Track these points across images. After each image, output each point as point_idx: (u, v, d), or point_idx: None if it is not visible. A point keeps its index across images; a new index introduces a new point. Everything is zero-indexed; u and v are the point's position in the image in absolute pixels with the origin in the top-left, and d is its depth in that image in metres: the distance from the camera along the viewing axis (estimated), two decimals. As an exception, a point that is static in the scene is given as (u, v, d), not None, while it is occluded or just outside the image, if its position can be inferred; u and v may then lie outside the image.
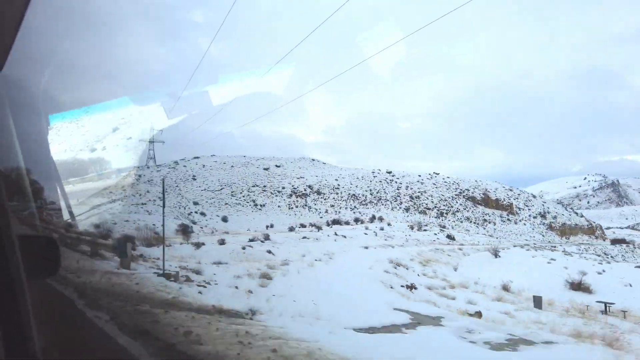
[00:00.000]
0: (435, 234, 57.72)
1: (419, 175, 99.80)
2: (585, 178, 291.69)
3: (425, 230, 64.34)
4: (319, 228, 57.43)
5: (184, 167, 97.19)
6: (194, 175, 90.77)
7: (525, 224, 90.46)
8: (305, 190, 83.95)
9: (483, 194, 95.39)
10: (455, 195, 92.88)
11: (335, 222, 73.72)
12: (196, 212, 68.81)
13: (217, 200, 78.71)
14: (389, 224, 67.68)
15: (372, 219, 73.86)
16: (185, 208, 70.02)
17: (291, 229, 63.31)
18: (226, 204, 77.48)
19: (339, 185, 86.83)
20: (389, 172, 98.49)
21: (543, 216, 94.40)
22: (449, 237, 55.41)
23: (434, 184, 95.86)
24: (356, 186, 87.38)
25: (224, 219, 69.28)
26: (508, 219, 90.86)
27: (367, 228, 61.67)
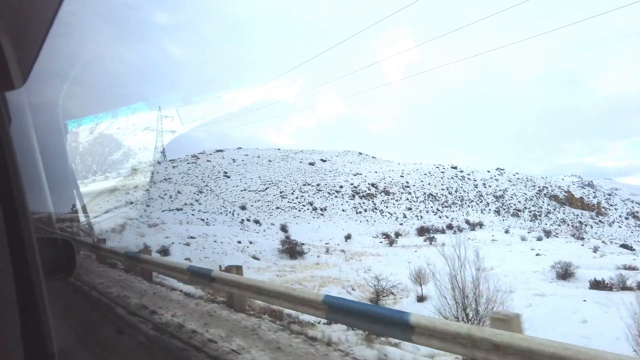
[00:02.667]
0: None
1: (488, 171, 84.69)
2: (562, 179, 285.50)
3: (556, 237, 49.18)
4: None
5: (208, 162, 78.78)
6: (225, 172, 72.56)
7: (620, 226, 76.70)
8: (369, 189, 67.21)
9: (566, 192, 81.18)
10: (536, 193, 78.24)
11: (424, 230, 57.56)
12: (248, 220, 50.99)
13: (264, 203, 60.99)
14: (506, 232, 52.04)
15: (473, 225, 57.93)
16: (233, 214, 52.08)
17: (390, 242, 46.60)
18: (277, 207, 59.86)
19: (407, 182, 70.51)
20: (454, 167, 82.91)
21: (635, 216, 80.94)
22: (626, 247, 40.20)
23: (509, 180, 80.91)
24: (428, 183, 71.29)
25: (284, 229, 51.90)
26: (600, 221, 76.91)
27: (493, 240, 45.77)
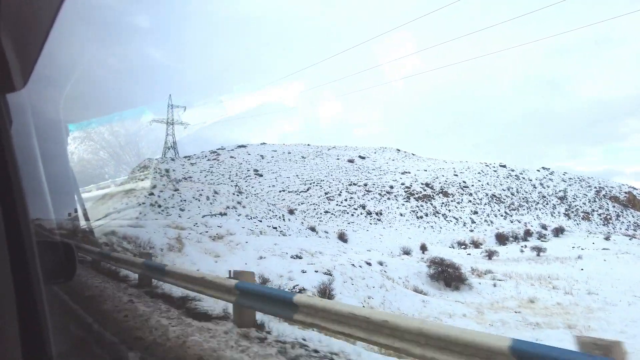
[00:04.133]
0: None
1: (538, 170, 77.08)
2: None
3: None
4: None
5: (232, 159, 69.26)
6: (255, 169, 63.12)
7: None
8: (424, 189, 58.67)
9: (627, 193, 74.12)
10: (594, 194, 70.91)
11: (503, 237, 49.30)
12: (301, 224, 41.79)
13: (309, 206, 51.88)
14: (606, 238, 44.18)
15: (556, 231, 49.89)
16: (283, 219, 42.87)
17: (489, 254, 37.97)
18: (326, 212, 50.81)
19: (464, 182, 62.23)
20: (503, 166, 75.06)
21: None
22: None
23: (562, 180, 73.43)
24: (487, 183, 63.16)
25: (342, 237, 43.03)
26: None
27: (604, 249, 37.71)
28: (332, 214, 50.45)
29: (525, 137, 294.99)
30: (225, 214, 39.11)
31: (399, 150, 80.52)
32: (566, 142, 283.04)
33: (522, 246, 42.27)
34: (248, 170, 63.30)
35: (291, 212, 46.60)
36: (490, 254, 37.25)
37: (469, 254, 40.25)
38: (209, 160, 70.29)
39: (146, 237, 19.16)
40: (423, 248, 42.65)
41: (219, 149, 75.67)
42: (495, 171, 69.79)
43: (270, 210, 45.46)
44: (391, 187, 58.93)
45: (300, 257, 19.39)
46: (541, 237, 48.75)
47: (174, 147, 79.01)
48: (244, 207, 42.62)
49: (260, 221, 34.28)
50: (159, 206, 39.94)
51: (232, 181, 58.45)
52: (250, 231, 29.07)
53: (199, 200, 41.35)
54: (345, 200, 53.77)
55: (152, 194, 41.68)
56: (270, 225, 32.19)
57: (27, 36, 0.93)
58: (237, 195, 45.21)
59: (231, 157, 70.53)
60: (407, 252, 37.91)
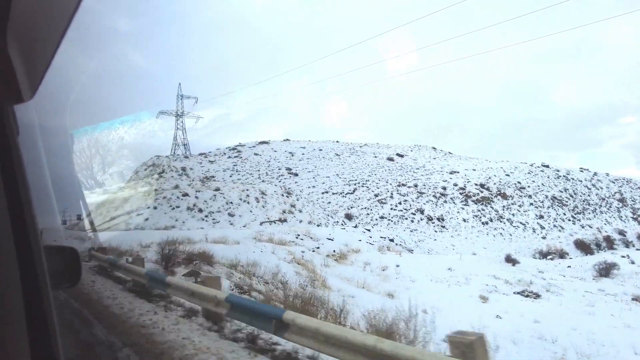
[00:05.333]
0: None
1: (581, 171, 72.24)
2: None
3: None
4: None
5: (257, 156, 61.67)
6: (288, 168, 55.73)
7: None
8: (480, 191, 52.57)
9: (675, 194, 69.97)
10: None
11: (584, 246, 43.59)
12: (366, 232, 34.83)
13: (360, 210, 44.99)
14: None
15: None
16: (344, 225, 35.77)
17: (605, 270, 31.85)
18: (381, 217, 44.03)
19: (519, 183, 56.47)
20: (546, 166, 69.87)
21: None
22: None
23: (610, 181, 68.75)
24: (542, 184, 57.58)
25: (413, 252, 36.29)
26: None
27: None
28: (388, 219, 43.67)
29: (505, 143, 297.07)
30: (285, 220, 31.84)
31: (435, 148, 74.45)
32: (545, 148, 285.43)
33: (623, 256, 36.51)
34: (279, 169, 55.86)
35: (349, 217, 39.59)
36: (607, 269, 31.05)
37: (569, 267, 34.13)
38: (229, 157, 62.46)
39: (251, 258, 12.23)
40: (510, 260, 36.35)
41: (238, 145, 67.79)
42: (542, 171, 64.41)
43: (328, 215, 38.33)
44: (444, 188, 52.60)
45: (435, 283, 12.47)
46: (627, 244, 43.37)
47: (184, 143, 70.78)
48: (299, 211, 35.41)
49: (345, 230, 27.12)
50: (200, 210, 32.32)
51: (263, 181, 50.97)
52: (369, 245, 22.00)
53: (248, 203, 33.94)
54: (400, 203, 47.07)
55: (186, 194, 33.99)
56: (361, 239, 25.18)
57: (35, 49, 0.94)
58: (287, 196, 37.86)
59: (255, 154, 62.85)
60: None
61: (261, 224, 29.93)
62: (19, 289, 0.86)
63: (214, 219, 30.49)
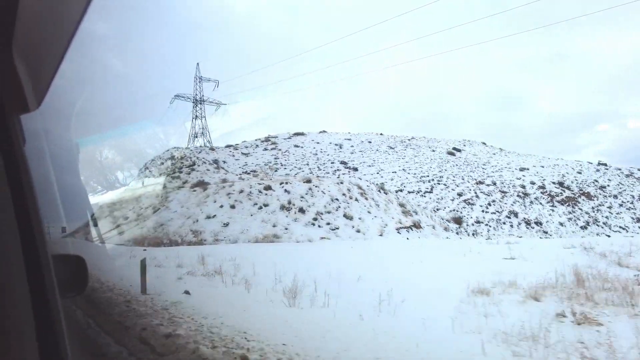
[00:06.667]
0: None
1: (618, 169, 68.24)
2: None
3: None
4: None
5: (298, 148, 53.35)
6: (343, 162, 47.98)
7: None
8: (562, 191, 46.67)
9: None
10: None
11: None
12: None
13: (447, 213, 37.84)
14: None
15: None
16: (452, 232, 28.43)
17: None
18: (478, 222, 37.04)
19: (596, 182, 51.05)
20: (603, 164, 65.29)
21: None
22: None
23: (665, 180, 65.00)
24: (619, 184, 52.46)
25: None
26: None
27: None
28: (485, 224, 36.76)
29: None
30: (418, 227, 24.09)
31: (485, 143, 68.48)
32: (525, 154, 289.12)
33: None
34: (332, 163, 47.94)
35: (458, 221, 32.36)
36: None
37: None
38: (266, 150, 53.80)
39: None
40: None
41: (271, 136, 58.99)
42: (607, 170, 59.56)
43: (429, 217, 30.90)
44: (522, 186, 46.31)
45: None
46: None
47: (203, 132, 61.23)
48: (415, 212, 27.76)
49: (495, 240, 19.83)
50: (301, 210, 24.05)
51: (317, 176, 42.92)
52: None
53: (357, 200, 25.91)
54: (489, 204, 40.27)
55: (269, 187, 25.59)
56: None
57: (40, 60, 0.95)
58: (384, 193, 30.13)
59: (295, 146, 54.44)
60: None
61: (398, 230, 22.08)
62: (28, 298, 0.86)
63: (328, 224, 22.31)
